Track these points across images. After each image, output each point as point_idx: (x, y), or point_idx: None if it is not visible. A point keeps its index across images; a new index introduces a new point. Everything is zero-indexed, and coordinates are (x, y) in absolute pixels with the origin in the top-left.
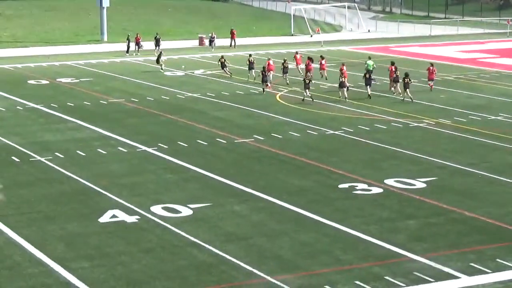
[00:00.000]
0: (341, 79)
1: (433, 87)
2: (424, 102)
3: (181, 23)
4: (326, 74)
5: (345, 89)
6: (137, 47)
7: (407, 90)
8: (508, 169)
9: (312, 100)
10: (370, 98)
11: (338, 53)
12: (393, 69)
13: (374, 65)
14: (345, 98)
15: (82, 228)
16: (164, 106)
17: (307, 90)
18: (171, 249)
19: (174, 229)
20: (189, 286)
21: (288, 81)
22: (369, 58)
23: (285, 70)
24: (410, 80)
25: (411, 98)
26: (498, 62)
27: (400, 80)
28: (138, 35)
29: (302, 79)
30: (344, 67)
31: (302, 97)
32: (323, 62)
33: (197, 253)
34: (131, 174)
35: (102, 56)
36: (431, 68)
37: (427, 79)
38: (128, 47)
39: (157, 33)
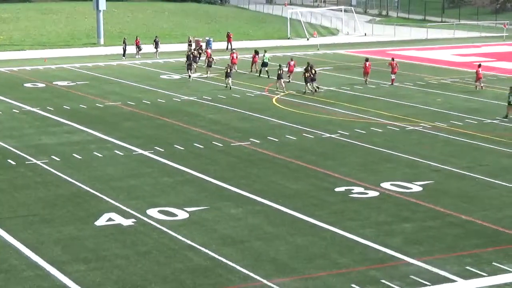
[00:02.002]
0: (279, 72)
1: (394, 80)
2: (420, 106)
3: (178, 26)
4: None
5: (282, 81)
6: (137, 49)
7: (313, 82)
8: (504, 173)
9: (230, 88)
10: (316, 91)
11: (335, 57)
12: (367, 65)
13: (269, 58)
14: (283, 88)
15: (78, 231)
16: (161, 109)
17: (229, 79)
18: (167, 252)
19: (171, 232)
20: None
21: (208, 74)
22: (265, 51)
23: (209, 64)
24: (313, 73)
25: (313, 90)
26: (494, 65)
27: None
28: (138, 38)
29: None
30: (292, 62)
31: (226, 85)
32: (291, 63)
33: (193, 256)
34: (127, 177)
35: (99, 59)
36: (393, 63)
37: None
38: (125, 50)
39: (156, 36)
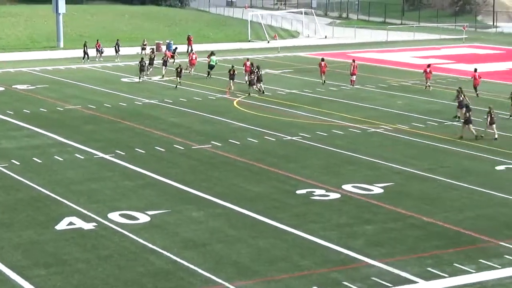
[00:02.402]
0: (231, 72)
1: (354, 82)
2: (382, 108)
3: (138, 29)
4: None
5: (232, 82)
6: (98, 53)
7: (260, 83)
8: (465, 174)
9: (176, 87)
10: (263, 92)
11: (295, 59)
12: (323, 65)
13: (217, 61)
14: (230, 88)
15: (39, 236)
16: (122, 113)
17: (178, 78)
18: (129, 256)
19: (132, 236)
20: None
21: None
22: (213, 54)
23: (164, 63)
24: (260, 74)
25: (259, 90)
26: (454, 67)
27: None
28: (99, 41)
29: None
30: (248, 62)
31: (175, 85)
32: (247, 63)
33: (155, 259)
34: (88, 181)
35: (59, 62)
36: (353, 64)
37: (350, 74)
38: (85, 53)
39: (118, 39)
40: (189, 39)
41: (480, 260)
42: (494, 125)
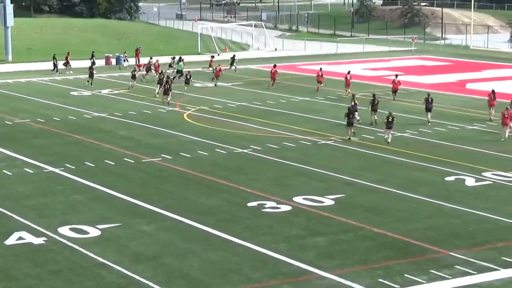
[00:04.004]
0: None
1: (320, 88)
2: (332, 120)
3: (88, 42)
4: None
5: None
6: (67, 65)
7: (169, 94)
8: (415, 185)
9: (130, 87)
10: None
11: (246, 72)
12: (273, 71)
13: (182, 66)
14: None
15: None
16: (71, 126)
17: (133, 81)
18: (79, 270)
19: (82, 250)
20: None
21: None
22: (180, 59)
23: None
24: (171, 84)
25: (168, 103)
26: (403, 79)
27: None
28: (68, 54)
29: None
30: (220, 67)
31: (128, 87)
32: (220, 68)
33: (106, 274)
34: (37, 195)
35: (7, 76)
36: (320, 72)
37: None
38: (55, 65)
39: (93, 52)
40: (137, 52)
41: (431, 271)
42: (390, 130)
